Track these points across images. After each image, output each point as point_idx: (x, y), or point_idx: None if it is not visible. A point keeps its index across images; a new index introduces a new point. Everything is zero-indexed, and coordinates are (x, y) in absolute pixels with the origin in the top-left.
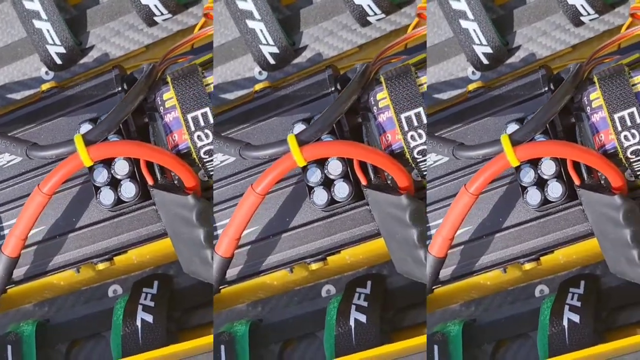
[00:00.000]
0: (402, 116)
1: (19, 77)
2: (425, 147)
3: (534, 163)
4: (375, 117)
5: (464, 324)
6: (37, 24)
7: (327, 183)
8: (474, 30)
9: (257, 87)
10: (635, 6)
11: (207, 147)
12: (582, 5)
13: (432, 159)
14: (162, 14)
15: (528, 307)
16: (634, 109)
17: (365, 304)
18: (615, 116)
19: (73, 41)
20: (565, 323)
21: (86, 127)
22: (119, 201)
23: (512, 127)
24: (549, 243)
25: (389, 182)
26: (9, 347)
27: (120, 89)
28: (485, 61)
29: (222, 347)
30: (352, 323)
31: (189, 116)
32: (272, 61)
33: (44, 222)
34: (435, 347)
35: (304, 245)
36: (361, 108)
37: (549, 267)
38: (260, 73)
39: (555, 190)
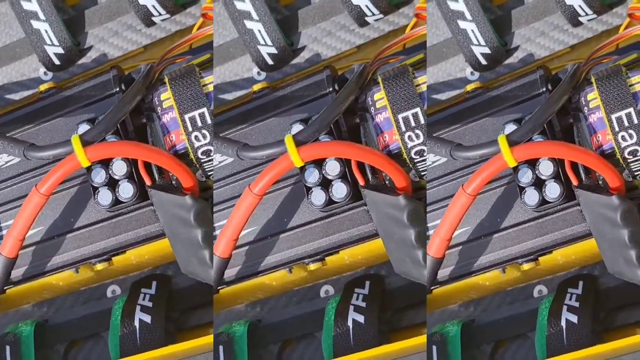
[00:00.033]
0: (400, 116)
1: (18, 78)
2: (422, 147)
3: (532, 163)
4: (373, 117)
5: (463, 325)
6: (35, 24)
7: (325, 183)
8: (472, 31)
9: (256, 87)
10: (633, 6)
11: (205, 148)
12: (579, 6)
13: (430, 160)
14: (160, 14)
15: (527, 308)
16: (631, 110)
17: (363, 304)
18: (613, 116)
19: (71, 42)
20: (563, 323)
21: (84, 128)
22: (116, 201)
23: (510, 128)
24: (547, 243)
25: (386, 182)
26: (8, 347)
27: (118, 89)
28: (483, 62)
29: (221, 347)
30: (350, 323)
31: (187, 116)
32: (270, 62)
33: (42, 222)
34: (434, 347)
35: (302, 246)
36: (359, 108)
37: (547, 268)
38: (258, 73)
39: (553, 190)
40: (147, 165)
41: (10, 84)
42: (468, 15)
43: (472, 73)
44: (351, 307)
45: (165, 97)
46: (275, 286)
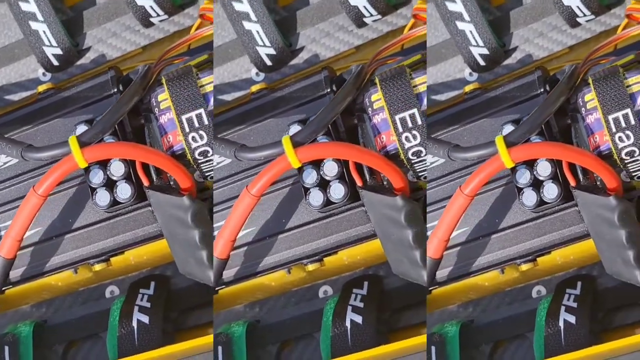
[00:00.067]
0: (397, 117)
1: (17, 79)
2: (420, 148)
3: (530, 164)
4: (371, 118)
5: (462, 325)
6: (34, 25)
7: (323, 184)
8: (471, 32)
9: (254, 88)
10: (631, 7)
11: (202, 149)
12: (577, 7)
13: (429, 160)
14: (158, 15)
15: (525, 308)
16: (628, 110)
17: (361, 305)
18: (610, 117)
19: (69, 42)
20: (561, 324)
21: (82, 129)
22: (114, 202)
23: (509, 128)
24: (545, 244)
25: (384, 183)
26: (7, 347)
27: (116, 90)
28: (482, 62)
29: (220, 348)
30: (348, 324)
31: (184, 117)
32: (269, 62)
33: (41, 223)
34: (433, 348)
35: (300, 247)
36: (357, 109)
37: (546, 268)
38: (257, 74)
39: (550, 191)
40: (145, 166)
41: (9, 85)
42: (466, 16)
43: (470, 74)
44: (349, 308)
45: (163, 98)
46: (274, 287)
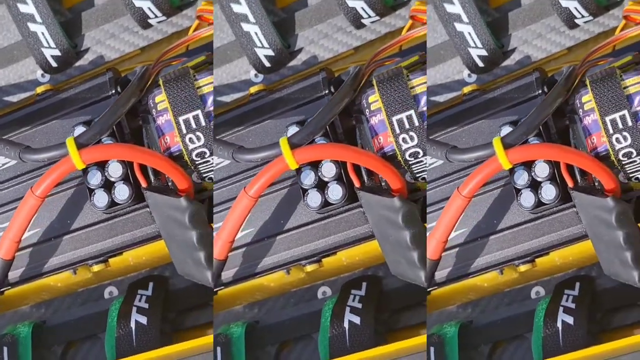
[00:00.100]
0: (394, 119)
1: (15, 80)
2: (417, 149)
3: (528, 165)
4: (368, 119)
5: (461, 326)
6: (32, 27)
7: (321, 185)
8: (469, 34)
9: (252, 89)
10: (629, 8)
11: (199, 150)
12: (575, 8)
13: (428, 161)
14: (156, 16)
15: (524, 309)
16: (625, 112)
17: (359, 305)
18: (607, 119)
19: (68, 44)
20: (559, 325)
21: (80, 130)
22: (112, 203)
23: (507, 130)
24: (544, 245)
25: (382, 184)
26: (5, 348)
27: (114, 91)
28: (480, 64)
29: (219, 348)
30: (346, 325)
31: (181, 119)
32: (267, 64)
33: (39, 224)
34: (432, 348)
35: (299, 247)
36: (355, 110)
37: (545, 269)
38: (256, 76)
39: (548, 192)
40: (143, 167)
41: (8, 86)
42: (465, 18)
43: (469, 75)
44: (347, 309)
45: (160, 99)
46: (273, 287)
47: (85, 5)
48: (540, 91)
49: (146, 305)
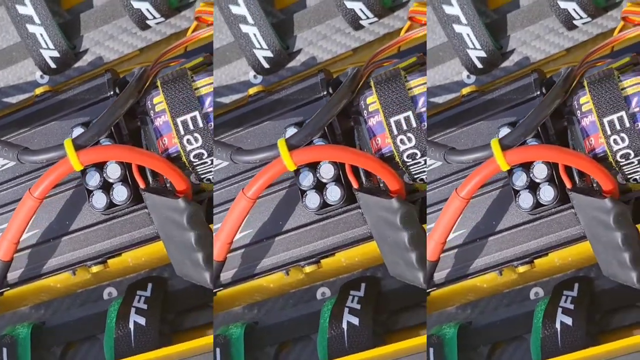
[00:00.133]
0: (392, 120)
1: (14, 81)
2: (415, 150)
3: (526, 167)
4: (366, 120)
5: (460, 327)
6: (31, 28)
7: (320, 186)
8: (468, 35)
9: (251, 91)
10: (627, 9)
11: (197, 151)
12: (574, 9)
13: (428, 162)
14: (154, 17)
15: (523, 310)
16: (622, 113)
17: (357, 306)
18: (605, 120)
19: (67, 45)
20: (558, 325)
21: (78, 131)
22: (111, 204)
23: (505, 131)
24: (542, 246)
25: (381, 185)
26: (5, 349)
27: (112, 92)
28: (479, 65)
29: (218, 349)
30: (344, 326)
31: (179, 120)
32: (266, 65)
33: (38, 225)
34: (431, 349)
35: (297, 248)
36: (353, 112)
37: (544, 270)
38: (255, 77)
39: (547, 193)
40: (141, 169)
41: (7, 88)
42: (463, 19)
43: (468, 76)
44: (346, 310)
45: (158, 100)
46: (272, 288)
47: (83, 7)
48: (538, 92)
49: (145, 306)
